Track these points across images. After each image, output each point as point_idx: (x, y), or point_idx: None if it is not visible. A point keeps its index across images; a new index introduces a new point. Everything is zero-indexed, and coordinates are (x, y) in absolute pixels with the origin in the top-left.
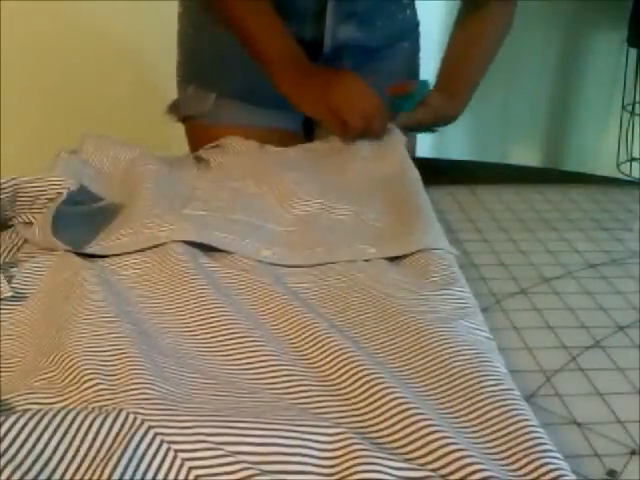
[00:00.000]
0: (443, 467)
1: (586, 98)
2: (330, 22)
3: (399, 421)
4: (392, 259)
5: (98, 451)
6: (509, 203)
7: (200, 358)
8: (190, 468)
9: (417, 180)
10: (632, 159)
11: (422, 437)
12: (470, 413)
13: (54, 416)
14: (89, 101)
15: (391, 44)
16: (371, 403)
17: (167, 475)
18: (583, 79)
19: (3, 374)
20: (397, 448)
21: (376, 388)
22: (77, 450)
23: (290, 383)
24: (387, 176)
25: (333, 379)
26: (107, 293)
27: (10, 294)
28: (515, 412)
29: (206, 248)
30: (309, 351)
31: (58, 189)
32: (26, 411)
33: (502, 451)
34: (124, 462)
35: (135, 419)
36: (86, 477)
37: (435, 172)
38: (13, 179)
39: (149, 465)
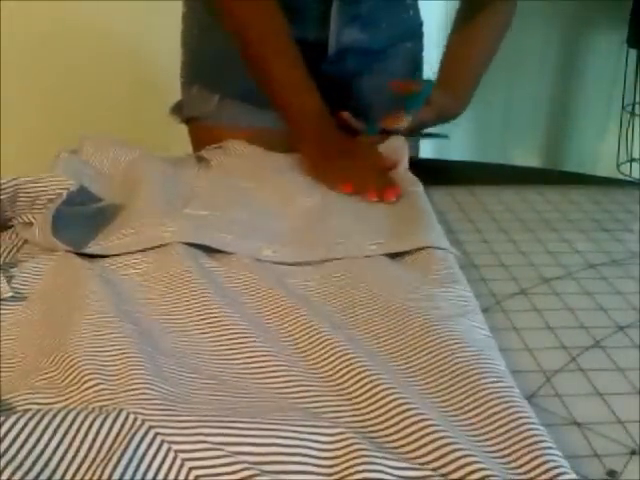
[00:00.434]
0: (443, 466)
1: (586, 98)
2: (334, 24)
3: (399, 421)
4: (393, 256)
5: (98, 451)
6: (509, 204)
7: (200, 358)
8: (190, 468)
9: (419, 188)
10: (632, 160)
11: (422, 437)
12: (471, 410)
13: (54, 416)
14: (89, 101)
15: (394, 45)
16: (371, 403)
17: (167, 475)
18: (583, 79)
19: (3, 374)
20: (397, 448)
21: (377, 389)
22: (77, 450)
23: (290, 383)
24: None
25: (333, 379)
26: (107, 293)
27: (10, 294)
28: (515, 410)
29: (207, 248)
30: (309, 351)
31: (58, 189)
32: (26, 411)
33: (502, 449)
34: (124, 462)
35: (135, 419)
36: (86, 477)
37: (435, 173)
38: (13, 179)
39: (149, 465)
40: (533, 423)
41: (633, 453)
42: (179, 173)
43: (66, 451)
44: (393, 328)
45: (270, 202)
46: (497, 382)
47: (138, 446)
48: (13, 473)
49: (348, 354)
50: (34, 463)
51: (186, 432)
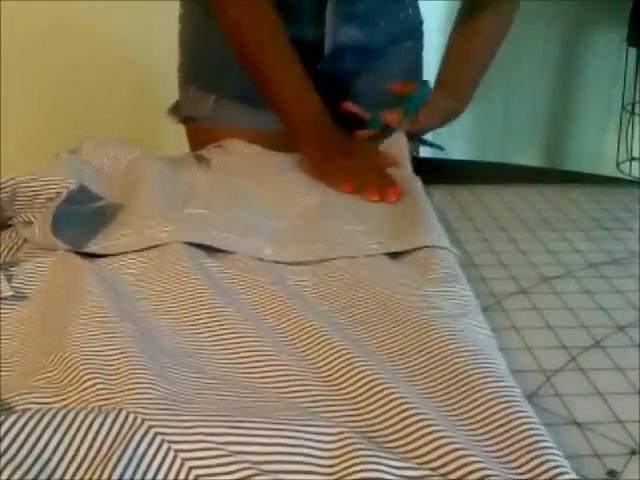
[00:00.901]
0: (443, 466)
1: (586, 98)
2: (330, 23)
3: (399, 421)
4: (394, 256)
5: (98, 451)
6: (509, 203)
7: (200, 358)
8: (190, 468)
9: (418, 184)
10: (632, 158)
11: (422, 436)
12: (471, 410)
13: (54, 416)
14: (89, 101)
15: (393, 43)
16: (371, 403)
17: (167, 475)
18: (583, 78)
19: (3, 374)
20: (397, 447)
21: (376, 388)
22: (77, 450)
23: (290, 383)
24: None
25: (333, 379)
26: (107, 292)
27: (10, 294)
28: (516, 410)
29: (207, 247)
30: (310, 351)
31: (58, 189)
32: (26, 410)
33: (502, 448)
34: (124, 462)
35: (135, 419)
36: (86, 477)
37: (435, 172)
38: (12, 179)
39: (149, 465)
40: (533, 423)
41: (633, 453)
42: (179, 172)
43: (66, 450)
44: (393, 328)
45: (270, 201)
46: (497, 382)
47: (138, 446)
48: (13, 473)
49: (348, 354)
50: (34, 463)
51: (186, 432)
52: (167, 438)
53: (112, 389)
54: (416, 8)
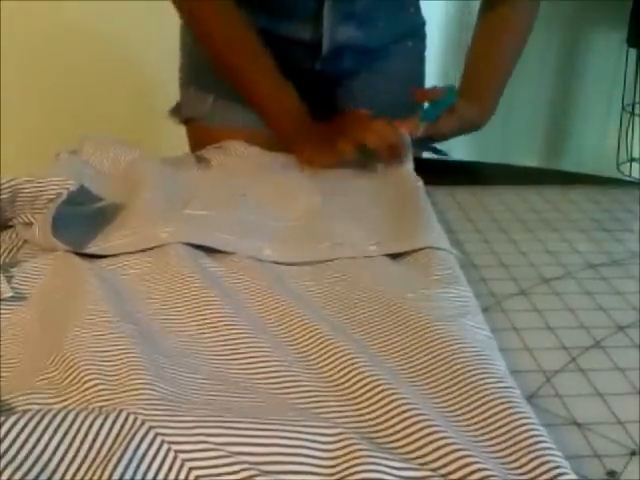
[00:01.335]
0: (443, 466)
1: (586, 98)
2: (328, 23)
3: (399, 421)
4: (394, 257)
5: (98, 452)
6: (509, 204)
7: (200, 359)
8: (190, 469)
9: (419, 185)
10: (632, 159)
11: (422, 437)
12: (471, 410)
13: (54, 416)
14: (89, 101)
15: (394, 43)
16: (372, 404)
17: (167, 476)
18: (583, 79)
19: (3, 374)
20: (397, 448)
21: (377, 389)
22: (77, 451)
23: (290, 383)
24: (390, 179)
25: (333, 379)
26: (107, 293)
27: (10, 294)
28: (516, 410)
29: (207, 248)
30: (309, 351)
31: (58, 189)
32: (26, 411)
33: (502, 449)
34: (124, 462)
35: (135, 419)
36: (86, 478)
37: (435, 172)
38: (13, 179)
39: (149, 466)
40: (533, 423)
41: (633, 453)
42: (179, 173)
43: (66, 451)
44: (393, 328)
45: (270, 202)
46: (497, 383)
47: (138, 446)
48: (13, 473)
49: (348, 354)
50: (34, 463)
51: (186, 432)
52: (167, 439)
53: (112, 390)
54: (417, 8)
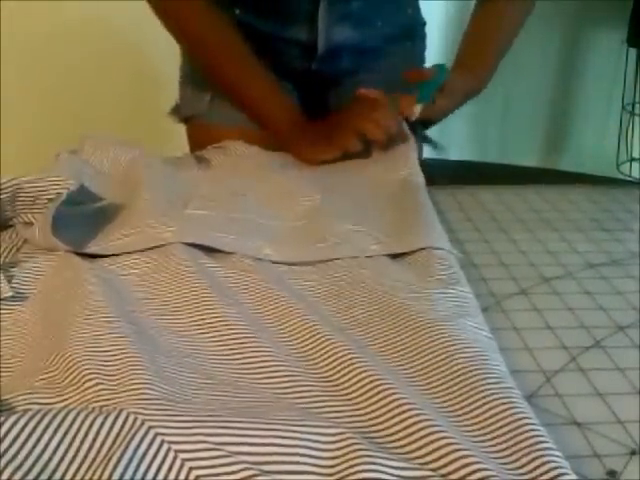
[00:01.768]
0: (443, 466)
1: (586, 98)
2: (323, 23)
3: (399, 421)
4: (394, 256)
5: (98, 451)
6: (509, 203)
7: (200, 358)
8: (190, 468)
9: (421, 184)
10: (632, 159)
11: (422, 437)
12: (471, 411)
13: (54, 416)
14: (89, 101)
15: (392, 44)
16: (371, 403)
17: (167, 475)
18: (583, 79)
19: (3, 374)
20: (397, 448)
21: (377, 389)
22: (77, 450)
23: (290, 383)
24: (390, 178)
25: (333, 379)
26: (107, 293)
27: (10, 294)
28: (516, 410)
29: (207, 248)
30: (309, 351)
31: (58, 189)
32: (26, 411)
33: (503, 449)
34: (124, 462)
35: (135, 419)
36: (86, 477)
37: (435, 172)
38: (13, 179)
39: (149, 465)
40: (533, 424)
41: (633, 453)
42: (179, 173)
43: (66, 451)
44: (393, 329)
45: (270, 201)
46: (497, 383)
47: (138, 446)
48: (13, 473)
49: (348, 354)
50: (34, 463)
51: (186, 432)
52: (167, 439)
53: (113, 389)
54: (417, 8)
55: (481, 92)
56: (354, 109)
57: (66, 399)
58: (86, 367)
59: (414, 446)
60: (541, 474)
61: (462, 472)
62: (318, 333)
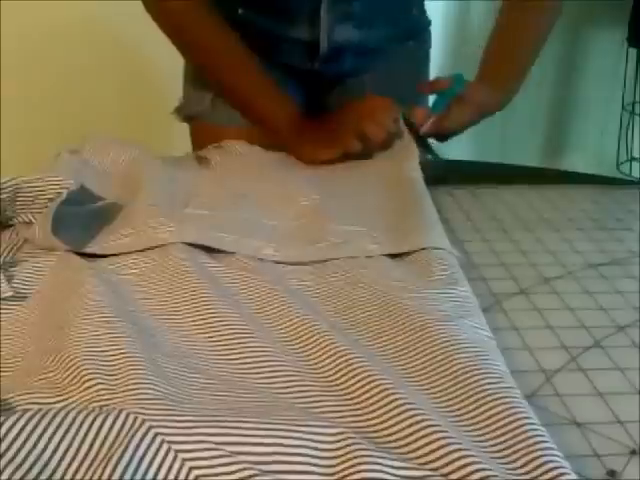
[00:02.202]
0: (443, 466)
1: (586, 98)
2: (325, 23)
3: (399, 421)
4: (394, 256)
5: (98, 451)
6: (509, 203)
7: (200, 358)
8: (190, 468)
9: (421, 184)
10: (632, 159)
11: (422, 437)
12: (471, 411)
13: (54, 416)
14: (89, 101)
15: (396, 43)
16: (372, 403)
17: (167, 475)
18: (583, 79)
19: (3, 374)
20: (397, 448)
21: (377, 389)
22: (77, 450)
23: (290, 383)
24: (390, 178)
25: (333, 379)
26: (107, 293)
27: (10, 294)
28: (516, 410)
29: (207, 247)
30: (309, 351)
31: (58, 189)
32: (26, 411)
33: (503, 449)
34: (124, 462)
35: (135, 419)
36: (86, 477)
37: (435, 172)
38: (13, 179)
39: (149, 465)
40: (533, 423)
41: (633, 453)
42: (179, 173)
43: (66, 451)
44: (393, 329)
45: (270, 201)
46: (497, 383)
47: (138, 446)
48: (13, 473)
49: (348, 354)
50: (34, 463)
51: (186, 432)
52: (167, 438)
53: (112, 389)
54: (421, 9)
55: (500, 109)
56: (354, 109)
57: (66, 399)
58: (86, 367)
59: (414, 446)
60: (541, 474)
61: (462, 472)
62: (318, 333)
